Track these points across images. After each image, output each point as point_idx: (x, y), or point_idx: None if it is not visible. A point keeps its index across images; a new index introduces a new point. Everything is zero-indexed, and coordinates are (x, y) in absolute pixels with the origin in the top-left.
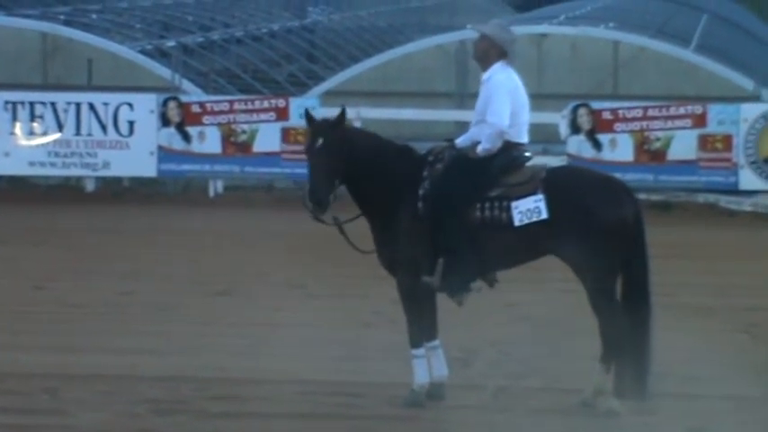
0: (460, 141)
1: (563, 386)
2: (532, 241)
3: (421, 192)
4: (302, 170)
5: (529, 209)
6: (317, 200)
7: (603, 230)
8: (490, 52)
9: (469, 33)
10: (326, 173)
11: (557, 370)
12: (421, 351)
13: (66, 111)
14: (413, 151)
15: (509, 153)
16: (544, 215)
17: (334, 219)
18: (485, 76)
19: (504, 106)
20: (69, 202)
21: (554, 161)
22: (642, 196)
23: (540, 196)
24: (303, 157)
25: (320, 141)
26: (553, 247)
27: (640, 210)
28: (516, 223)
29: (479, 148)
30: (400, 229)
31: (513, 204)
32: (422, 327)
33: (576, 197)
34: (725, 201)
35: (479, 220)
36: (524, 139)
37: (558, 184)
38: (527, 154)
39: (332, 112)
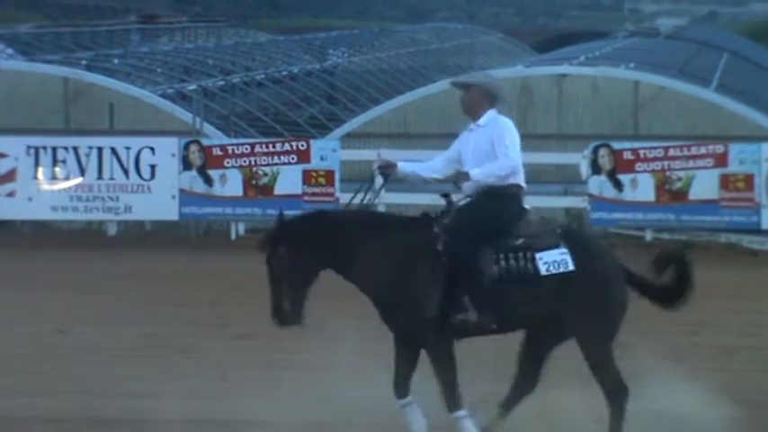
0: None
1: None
2: (546, 296)
3: (440, 247)
4: None
5: (556, 260)
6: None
7: (617, 300)
8: (482, 100)
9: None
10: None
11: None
12: (463, 412)
13: (88, 155)
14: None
15: (520, 200)
16: (571, 267)
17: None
18: (480, 121)
19: (516, 145)
20: (92, 246)
21: (575, 202)
22: (664, 236)
23: (565, 249)
24: (324, 199)
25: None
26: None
27: None
28: (543, 272)
29: (477, 174)
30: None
31: (538, 255)
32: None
33: (598, 264)
34: (747, 240)
35: (502, 271)
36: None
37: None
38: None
39: (353, 154)
